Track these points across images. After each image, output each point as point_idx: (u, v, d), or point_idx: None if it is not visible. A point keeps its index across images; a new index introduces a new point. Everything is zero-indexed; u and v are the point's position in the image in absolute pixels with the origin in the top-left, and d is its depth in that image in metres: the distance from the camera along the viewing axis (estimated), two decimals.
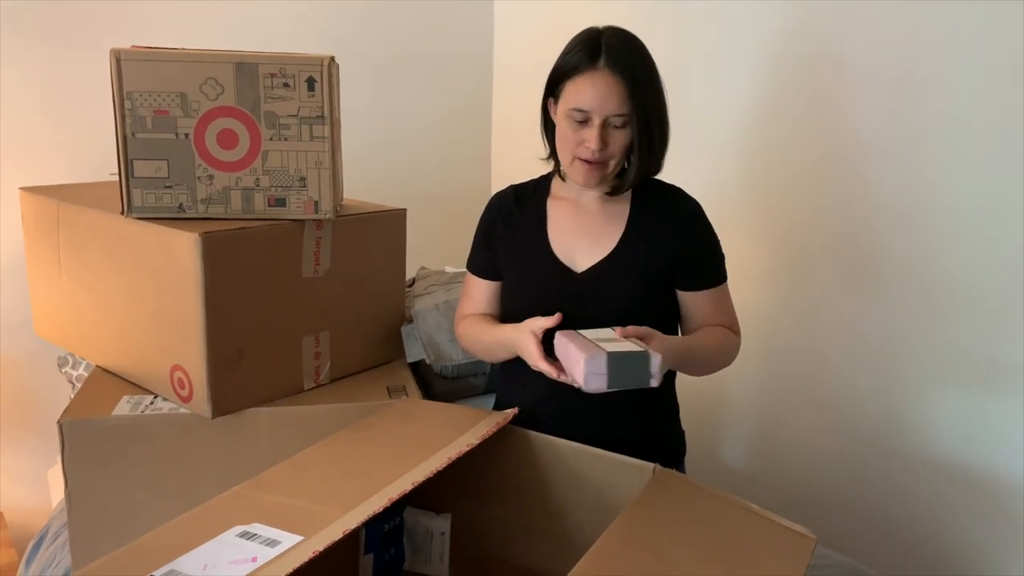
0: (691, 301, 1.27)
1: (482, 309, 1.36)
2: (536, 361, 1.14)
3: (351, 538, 1.21)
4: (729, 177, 1.90)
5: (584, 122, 1.16)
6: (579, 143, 1.17)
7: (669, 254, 1.24)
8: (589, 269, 1.24)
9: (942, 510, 1.59)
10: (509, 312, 1.31)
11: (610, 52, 1.13)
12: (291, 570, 0.77)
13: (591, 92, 1.14)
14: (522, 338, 1.17)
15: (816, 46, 1.69)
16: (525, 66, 2.47)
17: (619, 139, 1.17)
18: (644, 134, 1.17)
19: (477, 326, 1.33)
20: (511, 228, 1.32)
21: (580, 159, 1.18)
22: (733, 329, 1.30)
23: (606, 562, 0.88)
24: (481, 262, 1.35)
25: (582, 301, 1.22)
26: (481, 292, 1.36)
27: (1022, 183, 1.39)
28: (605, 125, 1.15)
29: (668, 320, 1.29)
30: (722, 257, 1.30)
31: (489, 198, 1.38)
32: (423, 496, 1.28)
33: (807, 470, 1.83)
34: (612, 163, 1.19)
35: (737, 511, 1.01)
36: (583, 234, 1.26)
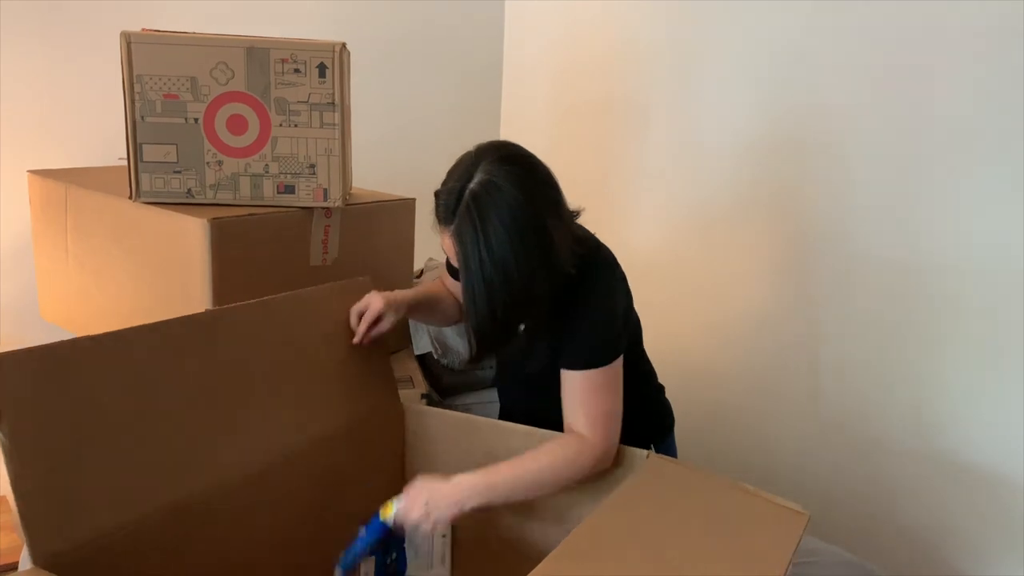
0: (560, 378, 1.13)
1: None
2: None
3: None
4: (732, 177, 1.89)
5: None
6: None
7: (555, 327, 1.12)
8: (524, 331, 1.16)
9: (943, 506, 1.59)
10: None
11: (462, 217, 1.05)
12: None
13: (447, 247, 1.09)
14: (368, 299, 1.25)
15: (816, 55, 1.67)
16: (535, 60, 2.46)
17: None
18: (470, 298, 1.07)
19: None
20: None
21: None
22: (585, 434, 1.09)
23: (595, 534, 0.89)
24: (451, 265, 1.29)
25: (520, 363, 1.22)
26: (450, 281, 1.37)
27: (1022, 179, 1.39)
28: None
29: None
30: (596, 341, 1.11)
31: None
32: None
33: (806, 467, 1.82)
34: None
35: (729, 490, 1.02)
36: None
